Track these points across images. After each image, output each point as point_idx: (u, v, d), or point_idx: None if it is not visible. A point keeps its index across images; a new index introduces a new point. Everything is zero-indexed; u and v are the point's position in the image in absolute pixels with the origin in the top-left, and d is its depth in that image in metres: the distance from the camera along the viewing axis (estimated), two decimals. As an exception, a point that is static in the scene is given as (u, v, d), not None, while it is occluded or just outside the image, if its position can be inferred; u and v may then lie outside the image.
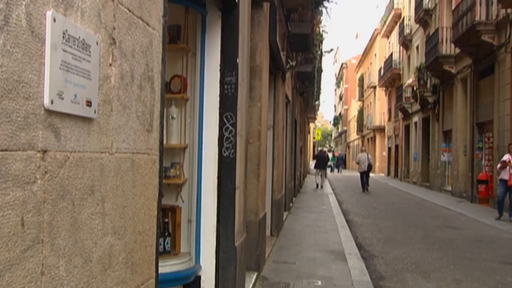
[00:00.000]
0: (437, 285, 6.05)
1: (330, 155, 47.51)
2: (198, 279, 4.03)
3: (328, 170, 37.54)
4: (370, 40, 48.54)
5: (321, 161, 23.44)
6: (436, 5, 23.24)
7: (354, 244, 8.21)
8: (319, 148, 38.60)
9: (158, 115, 2.35)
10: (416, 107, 27.48)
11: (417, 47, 27.94)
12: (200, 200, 4.13)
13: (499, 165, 12.34)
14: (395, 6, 34.44)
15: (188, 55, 4.12)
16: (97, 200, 1.75)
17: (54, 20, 1.43)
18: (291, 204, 13.72)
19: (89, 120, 1.69)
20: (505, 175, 11.99)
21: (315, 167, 23.65)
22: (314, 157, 24.30)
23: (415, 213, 14.09)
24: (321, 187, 22.60)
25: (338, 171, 46.17)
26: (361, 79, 53.92)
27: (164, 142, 2.57)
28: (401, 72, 32.87)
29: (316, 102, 30.14)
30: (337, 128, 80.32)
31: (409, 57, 30.43)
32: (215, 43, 4.15)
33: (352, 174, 39.44)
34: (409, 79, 28.28)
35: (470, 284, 6.12)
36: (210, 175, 4.13)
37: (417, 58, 27.52)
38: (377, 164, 43.38)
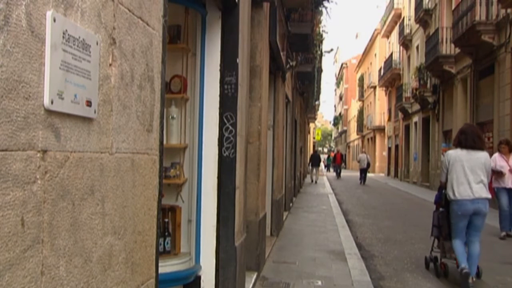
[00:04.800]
0: (437, 285, 6.05)
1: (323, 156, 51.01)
2: (198, 279, 4.03)
3: (325, 169, 41.32)
4: (370, 40, 48.55)
5: (316, 160, 27.50)
6: (436, 5, 23.24)
7: (354, 244, 8.21)
8: (314, 149, 39.30)
9: (158, 115, 2.35)
10: (416, 107, 27.49)
11: (417, 47, 27.94)
12: (200, 200, 4.13)
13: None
14: (395, 6, 34.44)
15: (188, 55, 4.12)
16: (97, 200, 1.75)
17: (54, 20, 1.43)
18: (291, 204, 13.72)
19: (89, 120, 1.69)
20: (509, 183, 9.45)
21: (311, 165, 27.65)
22: (310, 158, 27.78)
23: (415, 213, 14.08)
24: (316, 182, 26.53)
25: (336, 175, 34.90)
26: (361, 79, 53.93)
27: (164, 142, 2.57)
28: (401, 72, 32.88)
29: (316, 102, 30.21)
30: (337, 128, 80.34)
31: (409, 57, 30.43)
32: (215, 43, 4.15)
33: (352, 174, 39.46)
34: (409, 80, 28.27)
35: (470, 284, 6.12)
36: (210, 175, 4.13)
37: (417, 58, 27.52)
38: (377, 164, 43.39)
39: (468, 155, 5.89)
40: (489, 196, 5.94)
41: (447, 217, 6.09)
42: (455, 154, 5.97)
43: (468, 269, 5.67)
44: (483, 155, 5.96)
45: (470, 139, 5.92)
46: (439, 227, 6.27)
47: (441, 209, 6.25)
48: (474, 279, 5.74)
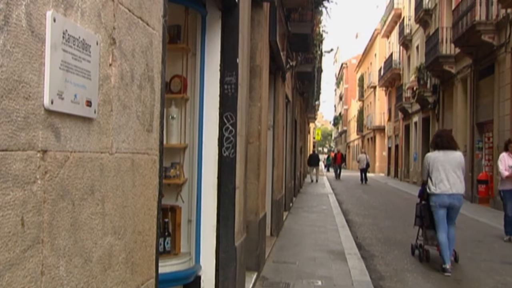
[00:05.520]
0: (437, 285, 6.05)
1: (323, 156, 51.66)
2: (198, 279, 4.03)
3: (325, 169, 41.86)
4: (370, 40, 48.54)
5: (315, 160, 28.28)
6: (436, 5, 23.24)
7: (354, 244, 8.21)
8: (313, 149, 39.48)
9: (158, 115, 2.35)
10: (416, 107, 27.49)
11: (417, 47, 27.94)
12: (200, 200, 4.13)
13: (507, 173, 8.85)
14: (395, 6, 34.44)
15: (188, 55, 4.12)
16: (97, 200, 1.75)
17: (54, 20, 1.43)
18: (291, 204, 13.72)
19: (89, 120, 1.69)
20: None
21: (310, 165, 28.26)
22: (308, 158, 28.85)
23: (415, 213, 14.07)
24: (316, 181, 26.99)
25: (336, 175, 33.20)
26: (361, 79, 53.92)
27: (164, 142, 2.57)
28: (401, 72, 32.88)
29: (316, 102, 30.22)
30: (337, 128, 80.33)
31: (409, 57, 30.43)
32: (215, 43, 4.15)
33: (352, 174, 39.46)
34: (409, 80, 28.25)
35: (470, 284, 6.12)
36: (210, 175, 4.13)
37: (417, 58, 27.52)
38: (377, 164, 43.38)
39: (445, 155, 6.75)
40: (463, 191, 6.81)
41: (428, 209, 6.99)
42: (434, 156, 6.84)
43: (449, 272, 6.49)
44: (458, 154, 6.85)
45: (445, 141, 6.82)
46: (421, 218, 7.23)
47: (423, 202, 7.22)
48: (450, 267, 6.57)
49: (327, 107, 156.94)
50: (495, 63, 15.67)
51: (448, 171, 6.67)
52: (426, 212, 7.05)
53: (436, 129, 23.53)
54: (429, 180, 6.81)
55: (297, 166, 18.21)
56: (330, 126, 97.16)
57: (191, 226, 4.13)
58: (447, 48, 20.04)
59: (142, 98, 2.15)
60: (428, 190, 6.87)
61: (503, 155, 9.18)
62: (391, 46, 37.61)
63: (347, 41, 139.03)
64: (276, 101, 9.22)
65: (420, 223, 7.31)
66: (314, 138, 47.27)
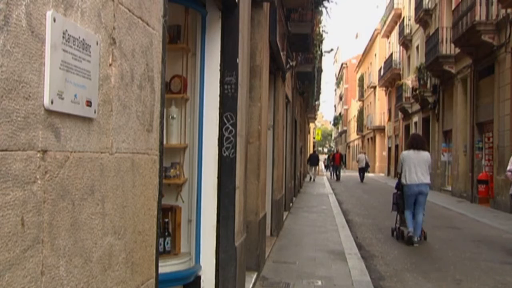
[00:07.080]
0: (437, 285, 6.05)
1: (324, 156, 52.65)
2: (198, 279, 4.03)
3: (326, 169, 42.49)
4: (370, 40, 48.54)
5: (314, 159, 29.63)
6: (436, 5, 23.24)
7: (354, 244, 8.20)
8: (313, 149, 39.73)
9: (158, 115, 2.35)
10: (416, 107, 27.48)
11: (417, 47, 27.94)
12: (200, 200, 4.13)
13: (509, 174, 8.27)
14: (395, 6, 34.44)
15: (188, 55, 4.12)
16: (97, 200, 1.75)
17: (54, 20, 1.43)
18: (291, 204, 13.72)
19: (89, 120, 1.69)
20: None
21: (310, 164, 29.44)
22: (308, 158, 29.66)
23: (415, 213, 14.05)
24: (314, 180, 27.90)
25: (332, 176, 32.72)
26: (361, 79, 53.91)
27: (164, 142, 2.57)
28: (401, 72, 32.87)
29: (316, 102, 30.25)
30: (337, 128, 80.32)
31: (409, 57, 30.43)
32: (215, 43, 4.15)
33: (352, 174, 39.44)
34: (405, 79, 28.21)
35: (470, 284, 6.12)
36: (210, 175, 4.13)
37: (417, 58, 27.52)
38: (377, 164, 43.37)
39: (416, 154, 8.58)
40: (429, 181, 8.61)
41: (402, 197, 8.79)
42: (407, 154, 8.67)
43: (412, 233, 8.47)
44: (426, 154, 8.69)
45: (419, 143, 8.78)
46: (397, 204, 9.01)
47: (398, 192, 9.01)
48: (418, 239, 8.52)
49: (327, 107, 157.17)
50: (495, 63, 15.67)
51: (417, 166, 8.46)
52: (400, 200, 8.84)
53: (436, 129, 23.67)
54: (402, 174, 8.62)
55: (297, 166, 18.21)
56: (330, 126, 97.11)
57: (191, 226, 4.13)
58: (447, 48, 20.04)
59: (142, 98, 2.15)
60: (402, 181, 8.68)
61: None
62: (391, 46, 37.62)
63: (347, 41, 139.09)
64: (276, 101, 9.22)
65: (396, 209, 9.04)
66: (314, 138, 47.23)
